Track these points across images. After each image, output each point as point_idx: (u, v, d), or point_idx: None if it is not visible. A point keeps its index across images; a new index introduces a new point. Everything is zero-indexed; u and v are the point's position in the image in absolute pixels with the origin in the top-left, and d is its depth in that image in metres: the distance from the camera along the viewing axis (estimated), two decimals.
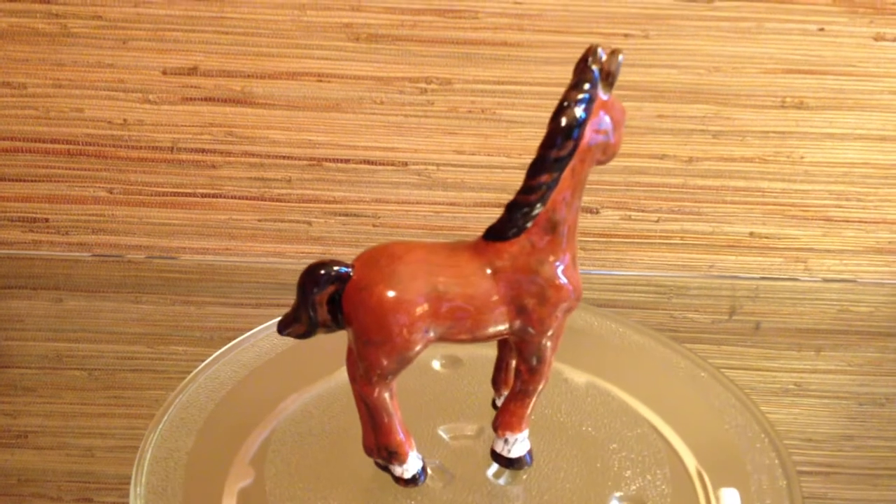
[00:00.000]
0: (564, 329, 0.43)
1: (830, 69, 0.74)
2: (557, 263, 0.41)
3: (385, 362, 0.40)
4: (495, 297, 0.40)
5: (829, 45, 0.74)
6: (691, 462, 0.47)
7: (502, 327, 0.41)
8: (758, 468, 0.47)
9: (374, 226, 0.80)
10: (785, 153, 0.77)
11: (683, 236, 0.81)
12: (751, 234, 0.81)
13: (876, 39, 0.73)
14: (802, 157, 0.78)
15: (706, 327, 0.76)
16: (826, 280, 0.83)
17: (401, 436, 0.43)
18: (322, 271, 0.41)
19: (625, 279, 0.82)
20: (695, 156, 0.78)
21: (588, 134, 0.39)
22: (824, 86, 0.75)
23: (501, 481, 0.45)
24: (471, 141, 0.77)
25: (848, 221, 0.80)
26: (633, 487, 0.45)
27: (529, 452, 0.45)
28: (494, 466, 0.46)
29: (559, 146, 0.38)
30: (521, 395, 0.44)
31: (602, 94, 0.39)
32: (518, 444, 0.44)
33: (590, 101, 0.38)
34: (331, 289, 0.41)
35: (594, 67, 0.38)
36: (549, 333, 0.42)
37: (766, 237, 0.81)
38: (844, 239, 0.81)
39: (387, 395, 0.42)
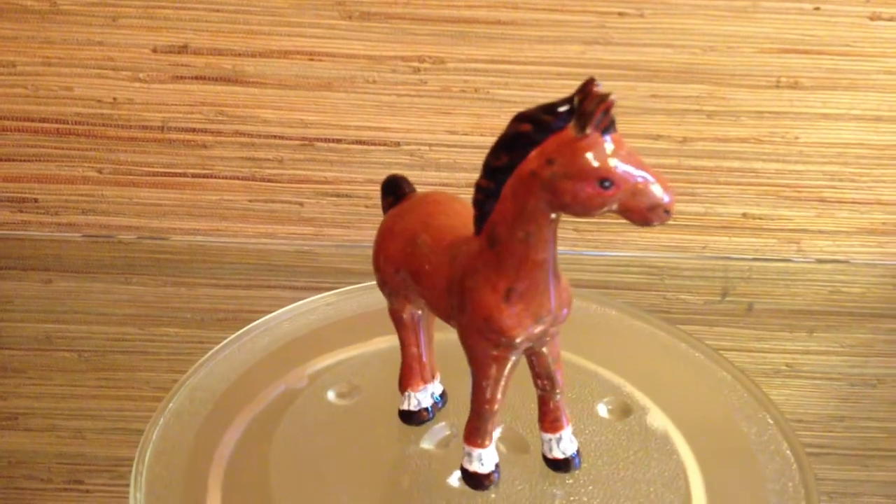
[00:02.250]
0: (505, 374, 0.39)
1: (826, 49, 0.74)
2: (488, 284, 0.37)
3: (378, 279, 0.44)
4: (444, 282, 0.39)
5: (824, 24, 0.73)
6: (688, 445, 0.47)
7: (448, 316, 0.40)
8: (762, 449, 0.47)
9: (366, 206, 0.79)
10: (779, 133, 0.77)
11: (677, 217, 0.80)
12: (744, 214, 0.81)
13: (871, 19, 0.73)
14: (797, 138, 0.77)
15: (699, 308, 0.76)
16: (819, 261, 0.83)
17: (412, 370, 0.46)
18: (389, 181, 0.45)
19: (618, 260, 0.82)
20: (689, 136, 0.77)
21: (534, 160, 0.34)
22: (819, 66, 0.75)
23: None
24: (464, 121, 0.76)
25: (842, 202, 0.80)
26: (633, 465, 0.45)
27: (498, 466, 0.43)
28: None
29: (495, 154, 0.36)
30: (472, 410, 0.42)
31: (575, 131, 0.33)
32: (479, 460, 0.42)
33: (541, 126, 0.34)
34: (390, 199, 0.45)
35: (576, 98, 0.34)
36: (477, 365, 0.39)
37: (760, 218, 0.81)
38: (838, 220, 0.81)
39: (403, 316, 0.45)
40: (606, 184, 0.33)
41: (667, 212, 0.34)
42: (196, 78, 0.75)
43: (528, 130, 0.34)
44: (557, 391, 0.42)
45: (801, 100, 0.76)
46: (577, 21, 0.73)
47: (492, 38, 0.73)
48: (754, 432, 0.48)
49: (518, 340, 0.37)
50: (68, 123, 0.77)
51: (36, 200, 0.80)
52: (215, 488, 0.43)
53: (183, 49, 0.74)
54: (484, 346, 0.38)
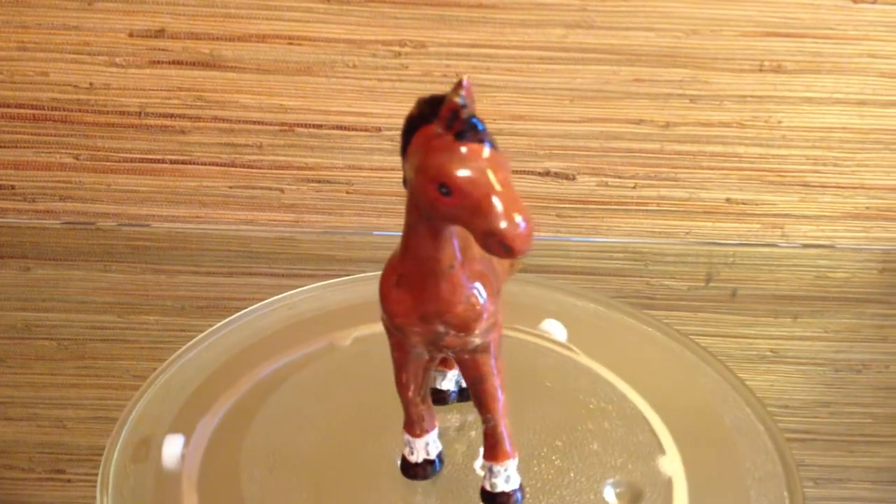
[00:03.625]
0: (408, 364, 0.39)
1: (809, 32, 0.74)
2: (391, 265, 0.36)
3: None
4: None
5: (807, 7, 0.73)
6: (666, 430, 0.47)
7: None
8: (742, 433, 0.47)
9: (347, 192, 0.79)
10: (762, 118, 0.77)
11: (660, 202, 0.80)
12: (728, 199, 0.80)
13: (854, 2, 0.73)
14: (780, 122, 0.77)
15: (683, 294, 0.76)
16: (803, 246, 0.83)
17: None
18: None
19: (601, 246, 0.82)
20: (672, 121, 0.77)
21: (412, 157, 0.33)
22: (802, 49, 0.74)
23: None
24: None
25: (825, 187, 0.80)
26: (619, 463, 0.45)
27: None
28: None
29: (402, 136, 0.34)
30: None
31: (436, 128, 0.31)
32: (409, 445, 0.42)
33: (421, 115, 0.33)
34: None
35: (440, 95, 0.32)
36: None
37: (743, 203, 0.80)
38: (821, 204, 0.81)
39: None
40: (444, 190, 0.30)
41: (504, 246, 0.30)
42: (173, 63, 0.74)
43: (413, 116, 0.33)
44: (487, 417, 0.39)
45: (785, 84, 0.76)
46: (559, 4, 0.72)
47: (473, 22, 0.73)
48: (730, 417, 0.47)
49: (405, 329, 0.36)
50: (44, 109, 0.76)
51: (13, 187, 0.79)
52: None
53: (160, 33, 0.73)
54: (386, 326, 0.38)
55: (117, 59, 0.74)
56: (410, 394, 0.40)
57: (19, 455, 0.56)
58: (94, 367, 0.63)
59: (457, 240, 0.34)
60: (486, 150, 0.31)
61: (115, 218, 0.81)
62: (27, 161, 0.78)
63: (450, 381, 0.47)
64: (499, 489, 0.40)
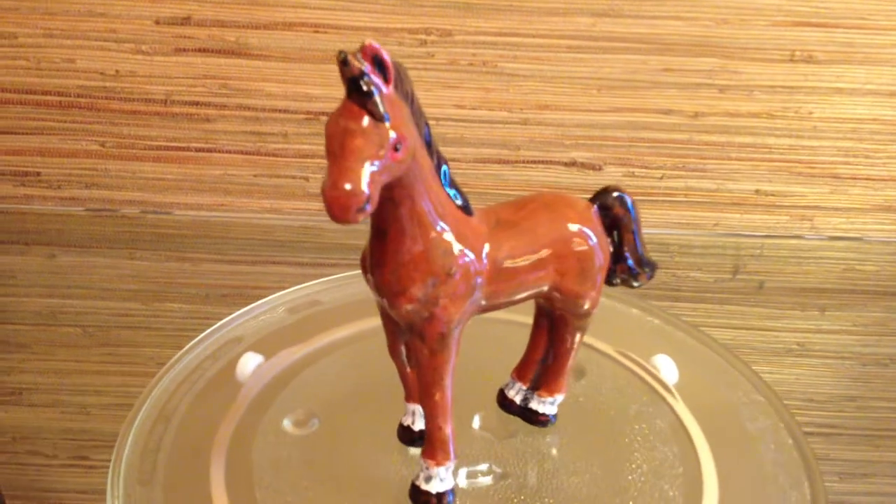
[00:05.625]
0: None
1: (840, 21, 0.73)
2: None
3: None
4: None
5: None
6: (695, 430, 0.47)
7: None
8: (760, 429, 0.46)
9: None
10: (793, 108, 0.76)
11: (688, 193, 0.80)
12: (756, 191, 0.80)
13: None
14: (811, 113, 0.76)
15: (709, 286, 0.75)
16: (832, 238, 0.82)
17: None
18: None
19: None
20: (700, 111, 0.76)
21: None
22: (834, 39, 0.74)
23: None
24: (471, 95, 0.75)
25: (855, 178, 0.79)
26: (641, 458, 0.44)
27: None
28: None
29: None
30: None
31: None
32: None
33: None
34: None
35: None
36: None
37: (772, 195, 0.80)
38: (851, 196, 0.80)
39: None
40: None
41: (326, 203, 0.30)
42: (199, 50, 0.74)
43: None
44: (425, 413, 0.39)
45: (815, 74, 0.75)
46: None
47: (500, 10, 0.72)
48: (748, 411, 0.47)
49: (366, 279, 0.37)
50: (70, 96, 0.76)
51: (38, 174, 0.79)
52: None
53: (186, 21, 0.73)
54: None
55: (143, 47, 0.74)
56: (399, 359, 0.41)
57: (43, 441, 0.57)
58: (119, 354, 0.64)
59: (403, 207, 0.34)
60: (343, 111, 0.31)
61: (140, 205, 0.81)
62: (53, 148, 0.78)
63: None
64: (423, 487, 0.40)
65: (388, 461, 0.43)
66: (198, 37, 0.74)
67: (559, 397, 0.44)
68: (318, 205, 0.79)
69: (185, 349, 0.50)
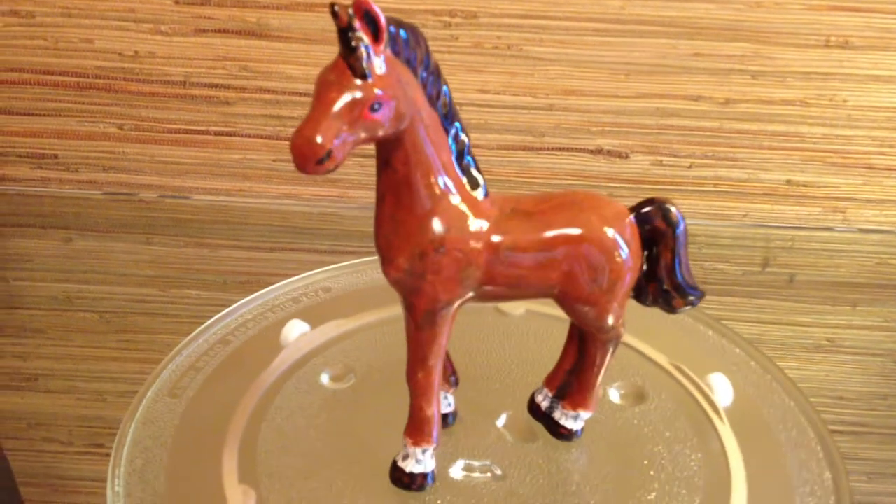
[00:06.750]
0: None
1: (877, 6, 0.72)
2: None
3: None
4: None
5: None
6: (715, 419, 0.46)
7: None
8: (785, 427, 0.46)
9: None
10: (827, 96, 0.75)
11: (717, 183, 0.79)
12: (788, 181, 0.78)
13: None
14: (845, 101, 0.75)
15: (737, 279, 0.74)
16: (865, 231, 0.81)
17: None
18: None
19: None
20: (731, 97, 0.75)
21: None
22: (870, 24, 0.72)
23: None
24: (496, 79, 0.74)
25: (890, 169, 0.78)
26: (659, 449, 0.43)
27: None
28: None
29: None
30: None
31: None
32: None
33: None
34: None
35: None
36: None
37: (805, 185, 0.79)
38: (886, 188, 0.79)
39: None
40: None
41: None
42: (219, 31, 0.73)
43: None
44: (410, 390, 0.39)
45: (851, 60, 0.73)
46: None
47: None
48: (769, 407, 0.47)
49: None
50: (89, 77, 0.75)
51: (56, 156, 0.79)
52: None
53: (206, 1, 0.72)
54: None
55: (162, 27, 0.73)
56: None
57: (59, 428, 0.56)
58: (136, 340, 0.63)
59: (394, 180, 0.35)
60: (332, 64, 0.31)
61: (158, 189, 0.80)
62: (71, 130, 0.78)
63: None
64: (399, 464, 0.40)
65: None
66: (218, 17, 0.73)
67: (584, 414, 0.43)
68: (337, 191, 0.79)
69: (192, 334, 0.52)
